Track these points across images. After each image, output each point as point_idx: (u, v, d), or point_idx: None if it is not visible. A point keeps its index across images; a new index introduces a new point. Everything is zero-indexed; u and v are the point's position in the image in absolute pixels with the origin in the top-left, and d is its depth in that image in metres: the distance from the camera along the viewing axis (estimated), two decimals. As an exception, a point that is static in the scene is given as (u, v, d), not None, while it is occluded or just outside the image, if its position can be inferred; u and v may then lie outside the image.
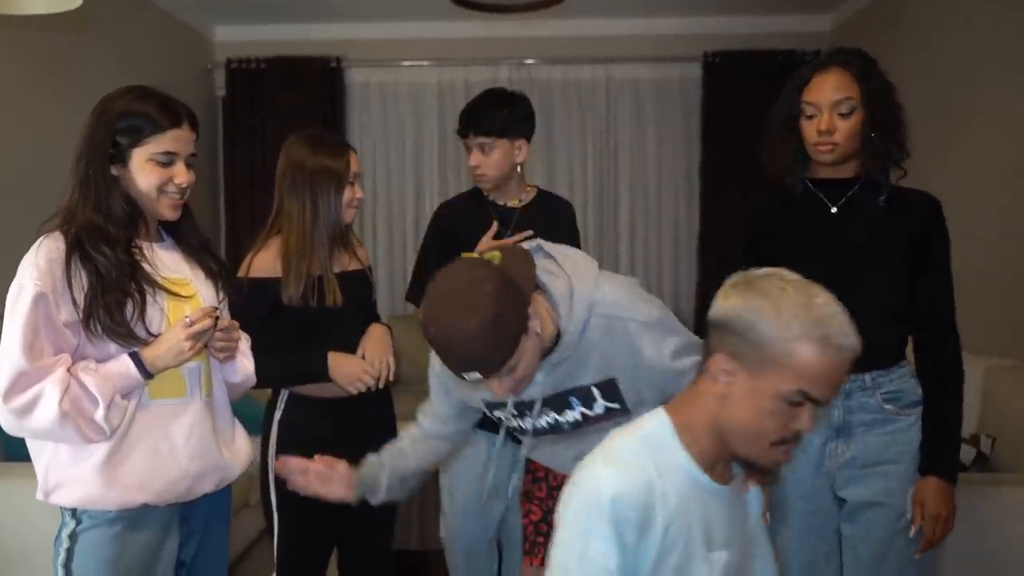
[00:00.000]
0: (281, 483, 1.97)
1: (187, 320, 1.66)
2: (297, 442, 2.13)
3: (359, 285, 2.33)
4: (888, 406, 1.94)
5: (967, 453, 2.85)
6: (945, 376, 1.96)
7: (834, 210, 1.99)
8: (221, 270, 1.87)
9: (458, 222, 2.58)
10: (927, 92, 3.90)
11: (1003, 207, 3.46)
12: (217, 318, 1.70)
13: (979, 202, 3.53)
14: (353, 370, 2.22)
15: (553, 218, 2.58)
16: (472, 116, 2.50)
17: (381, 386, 2.26)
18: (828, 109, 1.92)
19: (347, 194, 2.26)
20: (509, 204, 2.56)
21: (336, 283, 2.22)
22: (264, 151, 5.22)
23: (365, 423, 2.27)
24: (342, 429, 2.23)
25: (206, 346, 1.73)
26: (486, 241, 2.42)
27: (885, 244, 1.95)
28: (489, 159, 2.48)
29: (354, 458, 2.03)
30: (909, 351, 2.02)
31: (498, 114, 2.47)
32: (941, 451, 1.94)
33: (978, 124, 3.68)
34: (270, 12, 5.10)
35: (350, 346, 2.27)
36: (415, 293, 2.62)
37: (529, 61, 5.38)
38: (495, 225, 2.47)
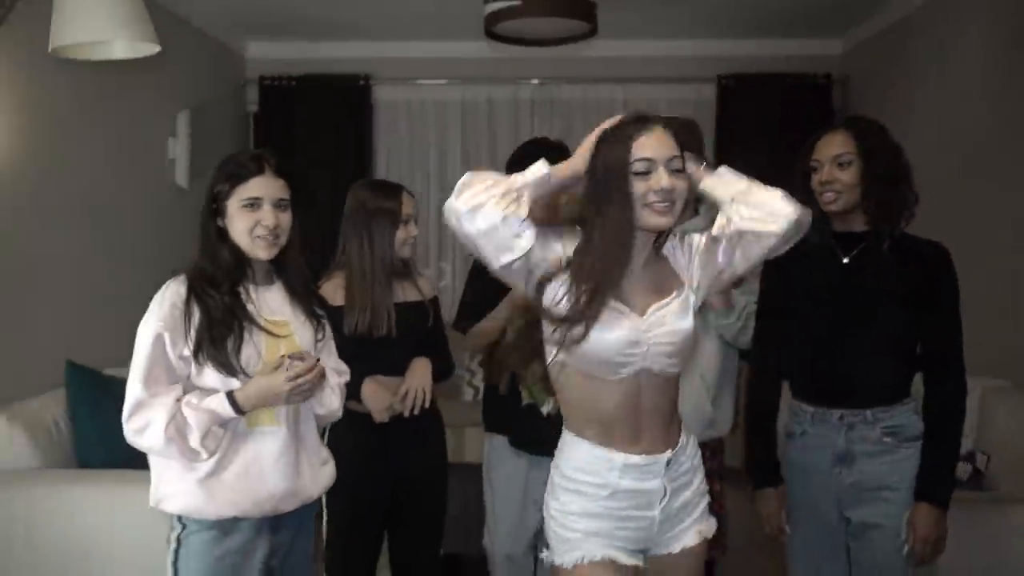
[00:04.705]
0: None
1: (289, 370, 1.84)
2: (342, 449, 2.23)
3: (415, 316, 2.50)
4: (888, 439, 2.12)
5: (963, 470, 3.03)
6: (947, 414, 2.13)
7: (846, 260, 2.16)
8: (320, 312, 2.06)
9: None
10: (936, 116, 4.04)
11: (1000, 228, 3.60)
12: (312, 368, 1.87)
13: (979, 222, 3.68)
14: (379, 401, 2.40)
15: None
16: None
17: (416, 413, 2.43)
18: (828, 163, 2.13)
19: (400, 233, 2.45)
20: None
21: (392, 315, 2.41)
22: (294, 165, 5.35)
23: (406, 440, 2.47)
24: (384, 443, 2.43)
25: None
26: None
27: (892, 293, 2.11)
28: None
29: (396, 469, 2.38)
30: (917, 386, 2.18)
31: None
32: (936, 480, 2.11)
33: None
34: (301, 30, 5.29)
35: (402, 371, 2.47)
36: (463, 323, 2.70)
37: (551, 81, 5.56)
38: None
